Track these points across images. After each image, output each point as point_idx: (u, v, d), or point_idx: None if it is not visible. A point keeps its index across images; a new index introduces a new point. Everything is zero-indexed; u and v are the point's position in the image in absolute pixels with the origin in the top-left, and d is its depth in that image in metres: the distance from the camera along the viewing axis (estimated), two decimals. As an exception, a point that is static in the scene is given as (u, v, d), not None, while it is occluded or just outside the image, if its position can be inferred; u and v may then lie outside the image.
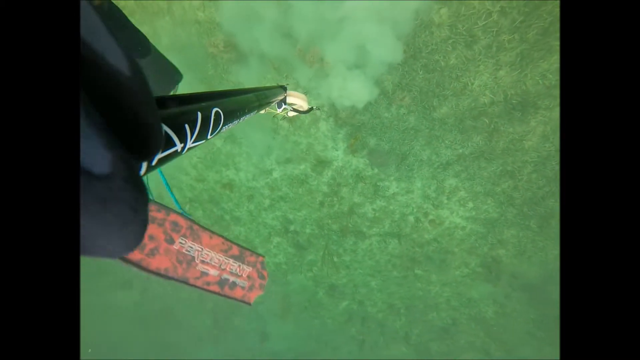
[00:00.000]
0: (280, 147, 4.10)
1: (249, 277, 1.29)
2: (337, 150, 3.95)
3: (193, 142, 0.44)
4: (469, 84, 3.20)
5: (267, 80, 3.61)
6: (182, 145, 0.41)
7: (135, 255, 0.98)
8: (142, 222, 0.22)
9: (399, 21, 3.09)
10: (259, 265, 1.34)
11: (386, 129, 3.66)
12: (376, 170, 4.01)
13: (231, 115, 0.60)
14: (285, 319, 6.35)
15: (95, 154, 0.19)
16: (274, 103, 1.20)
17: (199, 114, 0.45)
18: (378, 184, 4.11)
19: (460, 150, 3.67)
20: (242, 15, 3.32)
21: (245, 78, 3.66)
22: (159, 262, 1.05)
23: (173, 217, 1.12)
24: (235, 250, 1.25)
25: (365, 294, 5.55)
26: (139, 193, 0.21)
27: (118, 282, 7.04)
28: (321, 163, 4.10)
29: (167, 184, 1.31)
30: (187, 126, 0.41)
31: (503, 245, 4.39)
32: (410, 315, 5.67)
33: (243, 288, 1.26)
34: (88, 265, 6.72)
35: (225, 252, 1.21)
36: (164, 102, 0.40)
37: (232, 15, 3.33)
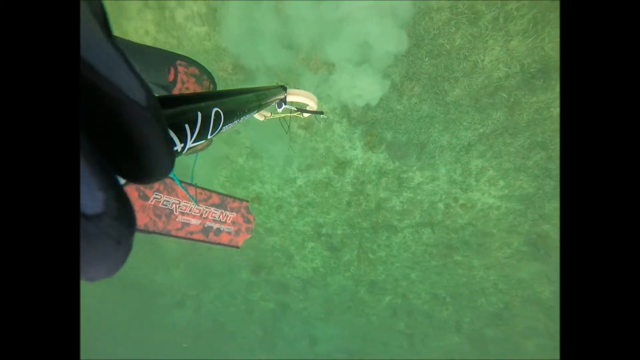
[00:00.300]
0: (300, 155, 4.23)
1: (233, 222, 1.35)
2: (355, 150, 4.00)
3: (193, 142, 0.45)
4: (479, 61, 3.11)
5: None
6: (182, 145, 0.42)
7: None
8: (125, 251, 0.22)
9: (398, 12, 3.10)
10: (243, 210, 1.36)
11: (400, 121, 3.65)
12: (397, 163, 4.00)
13: (231, 115, 0.61)
14: (329, 320, 6.46)
15: (87, 196, 0.20)
16: (274, 103, 1.19)
17: (199, 114, 0.46)
18: (401, 176, 4.10)
19: (481, 130, 3.57)
20: (244, 35, 3.50)
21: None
22: (137, 219, 1.10)
23: None
24: (215, 199, 1.27)
25: (407, 286, 5.51)
26: (127, 228, 0.21)
27: (173, 302, 7.54)
28: (342, 164, 4.17)
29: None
30: (187, 126, 0.42)
31: (547, 220, 4.17)
32: (457, 304, 5.53)
33: (229, 233, 1.31)
34: (144, 288, 7.28)
35: (204, 201, 1.24)
36: (164, 102, 0.40)
37: (235, 37, 3.52)
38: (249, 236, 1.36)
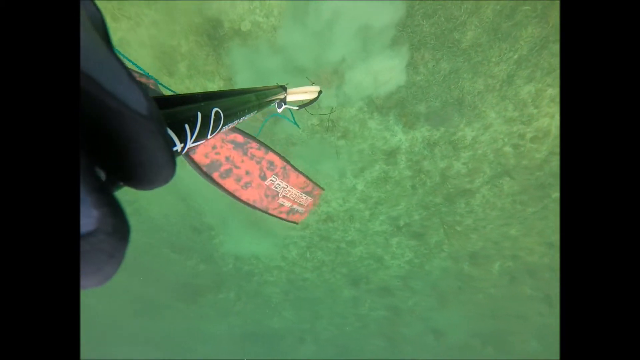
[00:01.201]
0: (349, 163, 4.46)
1: (307, 205, 1.58)
2: (396, 135, 4.09)
3: (193, 142, 0.45)
4: (478, -3, 3.07)
5: (303, 120, 4.12)
6: (182, 145, 0.42)
7: (231, 185, 1.26)
8: (118, 263, 0.22)
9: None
10: (317, 197, 1.57)
11: (426, 89, 3.68)
12: (442, 129, 3.96)
13: (231, 115, 0.61)
14: (446, 308, 6.21)
15: (81, 214, 0.20)
16: (274, 102, 1.22)
17: (199, 114, 0.46)
18: (452, 139, 4.03)
19: (515, 56, 3.40)
20: (255, 80, 3.99)
21: (280, 126, 4.26)
22: (249, 194, 1.28)
23: (270, 156, 1.32)
24: (309, 187, 1.49)
25: (512, 245, 5.11)
26: (120, 241, 0.22)
27: (294, 341, 8.04)
28: (391, 154, 4.28)
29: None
30: (187, 126, 0.42)
31: None
32: (580, 243, 4.92)
33: (301, 213, 1.53)
34: (268, 335, 7.94)
35: (302, 189, 1.45)
36: (164, 102, 0.40)
37: (248, 80, 4.03)
38: (306, 216, 1.56)
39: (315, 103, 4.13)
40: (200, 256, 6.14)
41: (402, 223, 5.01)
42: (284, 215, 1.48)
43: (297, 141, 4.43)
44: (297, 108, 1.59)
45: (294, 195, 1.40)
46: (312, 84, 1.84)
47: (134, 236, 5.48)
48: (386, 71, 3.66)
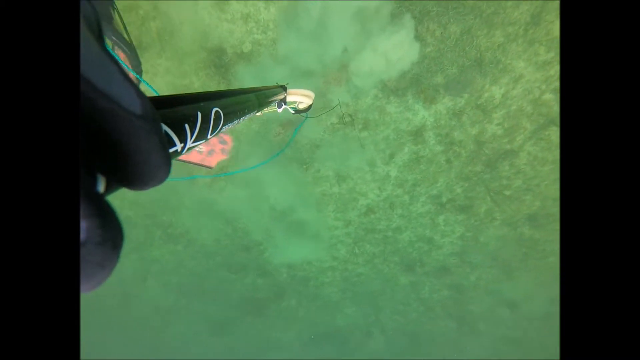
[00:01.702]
0: (376, 152, 4.41)
1: (211, 151, 1.52)
2: (418, 113, 3.97)
3: (193, 142, 0.45)
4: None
5: (327, 125, 4.15)
6: (182, 145, 0.42)
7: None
8: (108, 272, 0.22)
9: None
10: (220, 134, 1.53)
11: (439, 59, 3.53)
12: (466, 95, 3.77)
13: (231, 115, 0.62)
14: (514, 279, 5.88)
15: None
16: (274, 102, 1.20)
17: (199, 114, 0.47)
18: (479, 102, 3.81)
19: (530, -2, 3.13)
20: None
21: (301, 133, 4.32)
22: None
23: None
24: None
25: (574, 198, 4.70)
26: (112, 251, 0.22)
27: (363, 336, 8.14)
28: (417, 133, 4.16)
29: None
30: (187, 126, 0.42)
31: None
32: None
33: (200, 152, 1.45)
34: (335, 334, 8.13)
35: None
36: (163, 102, 0.40)
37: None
38: (224, 157, 1.52)
39: (326, 101, 4.11)
40: (256, 272, 6.46)
41: (444, 199, 4.84)
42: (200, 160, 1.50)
43: (321, 143, 4.49)
44: (294, 112, 1.51)
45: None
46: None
47: (194, 264, 5.93)
48: (392, 51, 3.57)
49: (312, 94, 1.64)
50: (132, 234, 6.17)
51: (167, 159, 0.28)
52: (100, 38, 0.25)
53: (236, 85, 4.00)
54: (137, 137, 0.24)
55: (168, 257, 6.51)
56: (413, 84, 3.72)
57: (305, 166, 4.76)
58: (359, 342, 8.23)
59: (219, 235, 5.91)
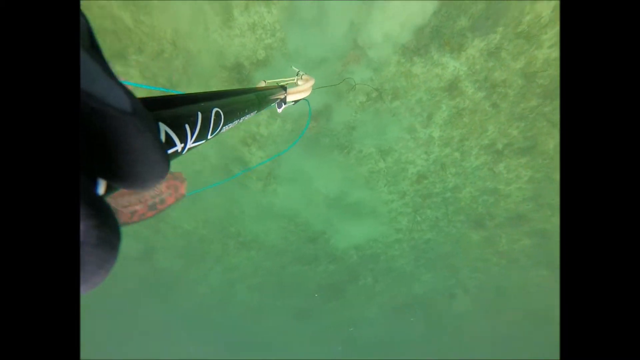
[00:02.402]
0: (412, 117, 4.30)
1: (168, 187, 1.47)
2: (448, 67, 3.75)
3: (193, 142, 0.45)
4: None
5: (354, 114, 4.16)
6: (182, 145, 0.42)
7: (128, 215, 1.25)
8: (105, 273, 0.22)
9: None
10: (169, 176, 1.44)
11: (459, 3, 3.27)
12: (500, 29, 3.44)
13: (231, 115, 0.62)
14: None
15: None
16: (274, 102, 1.23)
17: (199, 114, 0.47)
18: (518, 31, 3.45)
19: None
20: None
21: (334, 121, 4.38)
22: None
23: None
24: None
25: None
26: (108, 253, 0.22)
27: (447, 296, 8.14)
28: (451, 87, 3.95)
29: None
30: (187, 126, 0.42)
31: None
32: None
33: (171, 195, 1.45)
34: (433, 304, 8.27)
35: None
36: (164, 102, 0.41)
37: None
38: (185, 183, 1.41)
39: (349, 80, 4.12)
40: (326, 259, 6.87)
41: (500, 146, 4.54)
42: (152, 213, 1.35)
43: (355, 124, 4.53)
44: (293, 103, 1.59)
45: (136, 199, 1.34)
46: (298, 73, 1.87)
47: (269, 264, 6.53)
48: (402, 9, 3.41)
49: (312, 80, 1.70)
50: (211, 249, 7.00)
51: (163, 156, 0.28)
52: (90, 37, 0.25)
53: (261, 94, 4.22)
54: (129, 135, 0.24)
55: (245, 262, 7.26)
56: (434, 37, 3.52)
57: (345, 150, 4.86)
58: (445, 305, 8.26)
59: (284, 234, 6.39)
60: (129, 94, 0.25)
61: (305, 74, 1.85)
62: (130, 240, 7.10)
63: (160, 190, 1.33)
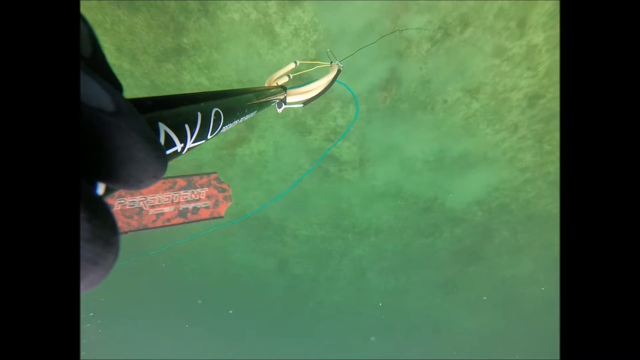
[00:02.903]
0: (496, 36, 3.66)
1: (208, 196, 1.28)
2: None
3: (193, 142, 0.45)
4: None
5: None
6: (182, 145, 0.42)
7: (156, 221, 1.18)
8: (103, 270, 0.22)
9: None
10: (214, 182, 1.32)
11: None
12: None
13: (231, 115, 0.62)
14: None
15: None
16: (274, 102, 1.21)
17: (199, 114, 0.47)
18: None
19: None
20: (354, 74, 4.14)
21: (407, 73, 4.07)
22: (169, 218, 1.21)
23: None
24: (181, 182, 1.27)
25: None
26: (103, 248, 0.21)
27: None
28: (462, 22, 3.19)
29: None
30: (187, 126, 0.43)
31: None
32: None
33: (208, 207, 1.23)
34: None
35: (171, 189, 1.25)
36: (164, 102, 0.41)
37: (354, 73, 4.20)
38: (229, 204, 1.31)
39: (406, 37, 3.82)
40: (448, 225, 6.47)
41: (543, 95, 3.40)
42: (179, 220, 1.28)
43: (428, 76, 4.16)
44: (302, 105, 1.50)
45: (168, 199, 1.25)
46: (331, 63, 1.80)
47: (391, 245, 6.58)
48: None
49: (327, 77, 1.60)
50: (333, 246, 7.52)
51: (154, 152, 0.27)
52: (94, 45, 0.25)
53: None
54: (113, 135, 0.24)
55: (368, 249, 7.50)
56: None
57: (429, 107, 4.50)
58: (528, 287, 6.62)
59: (395, 212, 6.34)
60: (111, 92, 0.25)
61: (336, 62, 1.82)
62: (266, 257, 8.28)
63: (198, 196, 1.27)
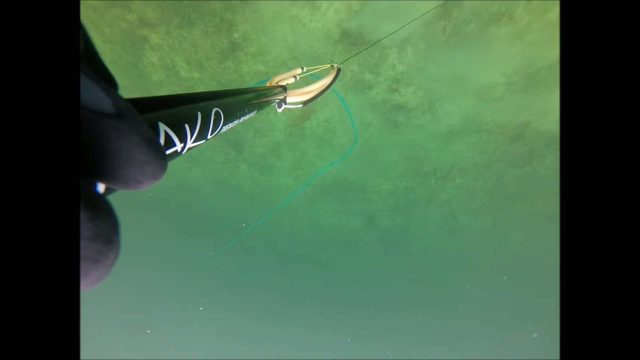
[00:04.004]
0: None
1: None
2: None
3: (193, 142, 0.46)
4: None
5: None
6: (182, 145, 0.43)
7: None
8: (104, 268, 0.22)
9: None
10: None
11: None
12: None
13: (231, 115, 0.63)
14: None
15: None
16: (274, 102, 1.22)
17: (199, 114, 0.47)
18: None
19: None
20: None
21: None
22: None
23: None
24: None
25: None
26: (104, 246, 0.21)
27: None
28: None
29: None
30: (187, 126, 0.43)
31: None
32: None
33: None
34: None
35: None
36: (163, 102, 0.41)
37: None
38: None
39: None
40: (549, 148, 5.74)
41: None
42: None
43: (469, 39, 3.59)
44: (302, 105, 1.51)
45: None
46: (331, 63, 1.79)
47: (481, 184, 6.25)
48: None
49: (324, 80, 1.63)
50: (417, 195, 7.50)
51: (154, 154, 0.27)
52: (87, 45, 0.26)
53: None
54: (113, 137, 0.24)
55: (455, 192, 7.26)
56: None
57: (504, 17, 3.91)
58: None
59: (479, 147, 5.91)
60: (111, 94, 0.25)
61: (337, 64, 1.82)
62: (354, 217, 8.79)
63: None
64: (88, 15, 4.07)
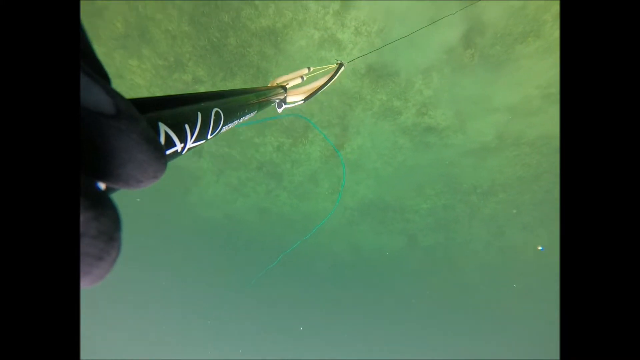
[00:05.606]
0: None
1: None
2: None
3: (193, 142, 0.46)
4: None
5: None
6: (182, 145, 0.43)
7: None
8: (107, 266, 0.22)
9: None
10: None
11: None
12: None
13: (231, 115, 0.63)
14: None
15: None
16: (274, 102, 1.23)
17: (199, 114, 0.48)
18: None
19: None
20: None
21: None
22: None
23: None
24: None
25: None
26: (107, 244, 0.22)
27: None
28: None
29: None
30: (187, 126, 0.43)
31: None
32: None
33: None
34: None
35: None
36: (164, 102, 0.41)
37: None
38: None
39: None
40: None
41: None
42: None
43: (523, 2, 3.68)
44: (303, 101, 1.50)
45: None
46: (338, 62, 1.85)
47: (529, 197, 5.94)
48: None
49: (321, 80, 1.64)
50: (457, 212, 7.31)
51: (154, 154, 0.27)
52: (85, 43, 0.27)
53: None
54: (114, 137, 0.24)
55: (499, 207, 6.98)
56: None
57: (531, 35, 3.94)
58: None
59: (521, 160, 5.73)
60: (112, 94, 0.25)
61: (345, 63, 1.89)
62: (393, 236, 8.74)
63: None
64: (156, 81, 4.85)
